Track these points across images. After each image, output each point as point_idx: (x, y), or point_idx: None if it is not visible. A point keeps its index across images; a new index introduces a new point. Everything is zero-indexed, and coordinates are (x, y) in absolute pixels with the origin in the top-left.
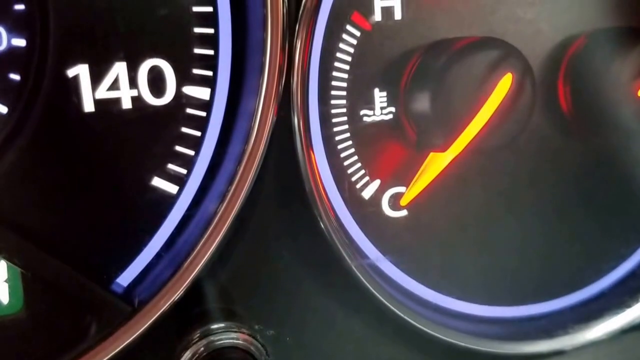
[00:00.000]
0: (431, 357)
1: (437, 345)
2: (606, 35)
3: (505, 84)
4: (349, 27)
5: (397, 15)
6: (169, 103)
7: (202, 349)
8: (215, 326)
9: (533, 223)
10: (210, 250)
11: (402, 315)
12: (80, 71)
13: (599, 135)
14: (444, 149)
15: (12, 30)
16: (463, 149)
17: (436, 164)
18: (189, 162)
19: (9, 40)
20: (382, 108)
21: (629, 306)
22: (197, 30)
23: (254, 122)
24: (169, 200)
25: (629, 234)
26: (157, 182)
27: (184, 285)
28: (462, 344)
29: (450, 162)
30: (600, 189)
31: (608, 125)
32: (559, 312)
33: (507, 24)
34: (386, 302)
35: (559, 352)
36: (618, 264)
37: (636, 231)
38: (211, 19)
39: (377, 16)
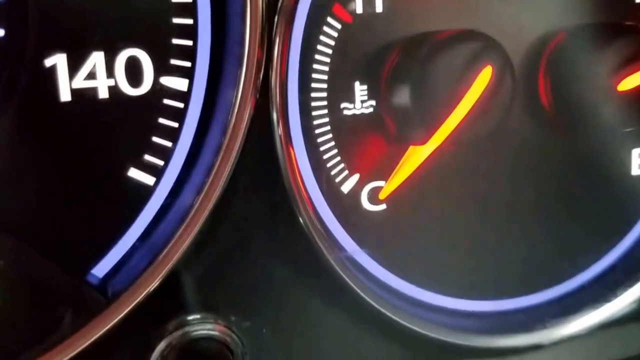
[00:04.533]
0: (408, 350)
1: (414, 338)
2: (586, 30)
3: (485, 76)
4: (329, 19)
5: (379, 8)
6: (146, 93)
7: (176, 339)
8: (191, 317)
9: (512, 217)
10: (187, 242)
11: (379, 307)
12: (58, 60)
13: (579, 130)
14: (423, 141)
15: None
16: (442, 142)
17: (415, 157)
18: (166, 153)
19: None
20: (362, 101)
21: (608, 301)
22: (175, 20)
23: (232, 114)
24: (146, 192)
25: (608, 229)
26: (134, 172)
27: (160, 276)
28: (439, 337)
29: (430, 155)
30: (580, 184)
31: (588, 119)
32: (537, 306)
33: (488, 18)
34: (363, 295)
35: (537, 347)
36: (597, 258)
37: (616, 226)
38: (190, 10)
39: (359, 8)
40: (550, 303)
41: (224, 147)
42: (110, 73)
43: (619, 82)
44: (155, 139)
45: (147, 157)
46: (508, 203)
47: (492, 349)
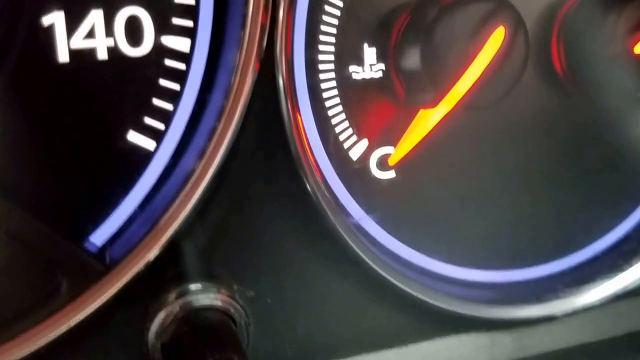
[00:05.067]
0: (417, 321)
1: (422, 308)
2: None
3: (497, 37)
4: None
5: None
6: (146, 54)
7: (177, 309)
8: (192, 287)
9: (523, 184)
10: (188, 208)
11: (387, 276)
12: (56, 19)
13: (593, 95)
14: (433, 104)
15: None
16: (454, 106)
17: (425, 121)
18: (167, 116)
19: None
20: (371, 65)
21: (622, 270)
22: None
23: (236, 76)
24: (146, 156)
25: (623, 197)
26: (133, 136)
27: (160, 244)
28: (448, 307)
29: (440, 119)
30: (593, 151)
31: (603, 83)
32: (549, 276)
33: None
34: (371, 263)
35: (549, 318)
36: (611, 227)
37: (630, 194)
38: None
39: None
40: (563, 273)
41: (226, 111)
42: (109, 32)
43: (635, 45)
44: (155, 101)
45: (147, 120)
46: (520, 170)
47: (504, 320)
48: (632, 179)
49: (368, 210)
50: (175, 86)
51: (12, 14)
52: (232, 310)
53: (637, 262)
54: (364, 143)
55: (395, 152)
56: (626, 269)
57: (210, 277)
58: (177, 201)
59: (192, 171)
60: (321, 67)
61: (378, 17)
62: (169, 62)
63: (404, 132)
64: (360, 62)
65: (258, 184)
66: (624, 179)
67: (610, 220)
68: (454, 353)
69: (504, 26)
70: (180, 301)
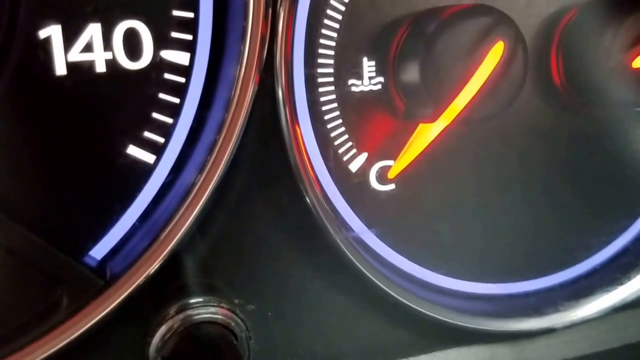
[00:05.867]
0: (417, 334)
1: (423, 321)
2: (600, 6)
3: (496, 52)
4: None
5: None
6: (145, 67)
7: (178, 323)
8: (193, 300)
9: (522, 198)
10: (188, 222)
11: (387, 289)
12: (53, 32)
13: (591, 108)
14: (433, 119)
15: None
16: (453, 120)
17: (425, 135)
18: (166, 130)
19: None
20: (370, 78)
21: (621, 283)
22: None
23: (235, 89)
24: (146, 170)
25: (621, 210)
26: (133, 150)
27: (160, 258)
28: (449, 320)
29: (439, 133)
30: (592, 164)
31: (602, 97)
32: (549, 289)
33: None
34: (371, 276)
35: (549, 330)
36: (610, 240)
37: (628, 207)
38: None
39: None
40: (562, 286)
41: (226, 124)
42: (107, 46)
43: (633, 59)
44: (155, 115)
45: (147, 134)
46: (519, 183)
47: (504, 332)
48: (630, 192)
49: (368, 223)
50: (175, 100)
51: (9, 27)
52: (232, 324)
53: (635, 275)
54: (363, 156)
55: (395, 165)
56: (624, 282)
57: (210, 290)
58: (178, 215)
59: (192, 185)
60: (320, 80)
61: (377, 31)
62: (168, 76)
63: (404, 145)
64: (359, 75)
65: (258, 197)
66: (622, 192)
67: (609, 233)
68: None
69: (503, 41)
70: (181, 315)
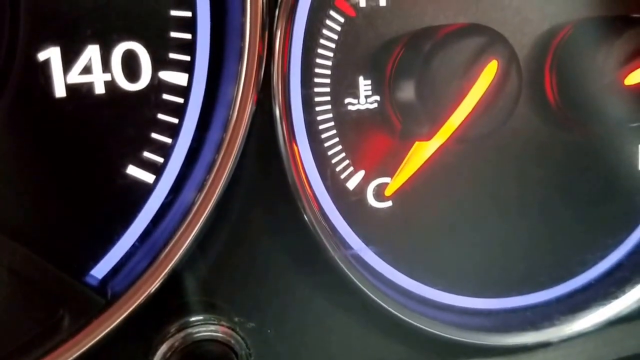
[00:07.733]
0: (415, 349)
1: (422, 336)
2: (592, 24)
3: (490, 71)
4: (332, 13)
5: (382, 2)
6: (144, 88)
7: (179, 342)
8: (193, 319)
9: (518, 214)
10: (188, 241)
11: (385, 306)
12: (52, 54)
13: (585, 125)
14: (428, 137)
15: None
16: (448, 138)
17: (421, 153)
18: (166, 150)
19: None
20: (366, 97)
21: (616, 297)
22: (173, 12)
23: (233, 109)
24: (145, 190)
25: (615, 225)
26: (133, 170)
27: (161, 277)
28: (447, 335)
29: (435, 151)
30: (586, 180)
31: (595, 114)
32: (544, 303)
33: (493, 12)
34: (370, 294)
35: (545, 344)
36: (605, 255)
37: (622, 222)
38: (189, 2)
39: (362, 2)
40: (558, 300)
41: (225, 144)
42: (106, 67)
43: (626, 76)
44: (154, 135)
45: (147, 154)
46: (514, 200)
47: (501, 347)
48: (623, 208)
49: (366, 241)
50: (174, 120)
51: (8, 49)
52: (233, 341)
53: (629, 289)
54: (360, 174)
55: (392, 183)
56: (619, 295)
57: (211, 309)
58: (177, 234)
59: (192, 204)
60: (317, 99)
61: (373, 50)
62: (167, 97)
63: (400, 163)
64: (356, 94)
65: (257, 216)
66: (616, 208)
67: (604, 248)
68: None
69: (496, 60)
70: (182, 333)
